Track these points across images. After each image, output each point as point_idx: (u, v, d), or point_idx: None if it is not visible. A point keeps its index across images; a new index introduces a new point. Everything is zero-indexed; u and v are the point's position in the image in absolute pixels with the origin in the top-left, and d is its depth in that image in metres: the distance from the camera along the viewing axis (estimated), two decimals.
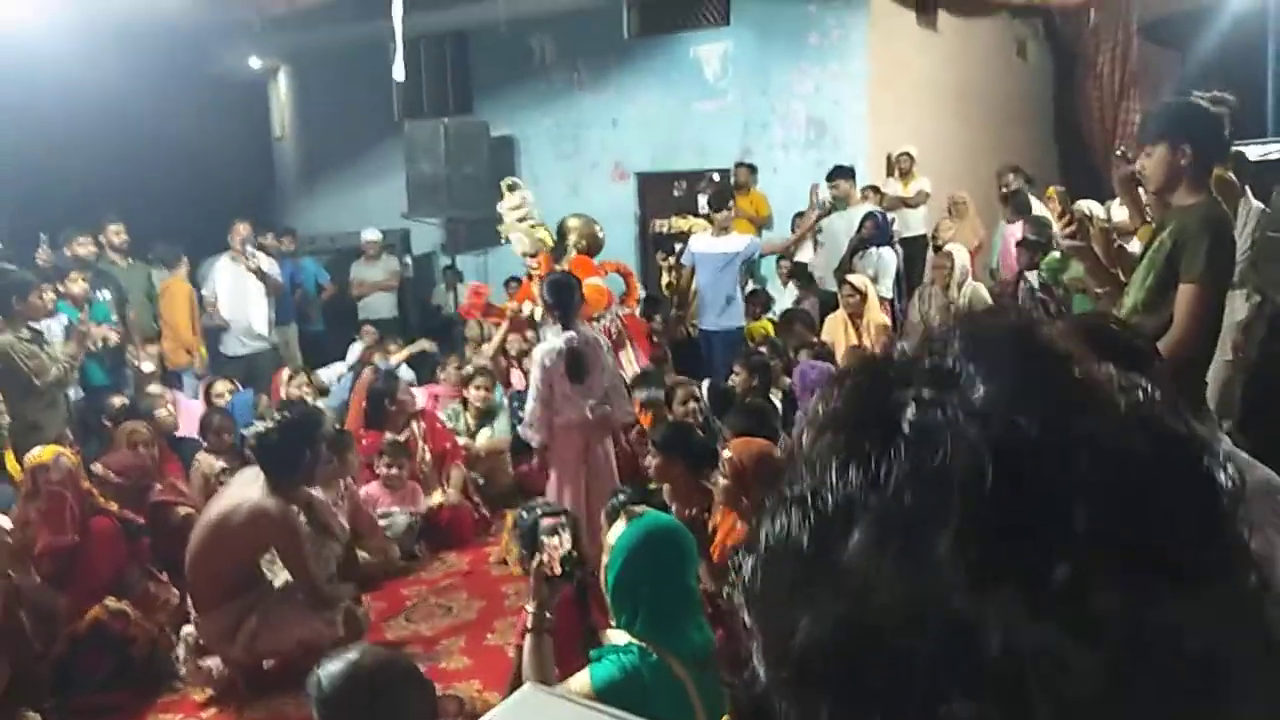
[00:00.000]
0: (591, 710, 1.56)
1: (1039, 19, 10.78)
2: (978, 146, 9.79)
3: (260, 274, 7.62)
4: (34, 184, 8.03)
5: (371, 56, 9.66)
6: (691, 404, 5.20)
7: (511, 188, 6.73)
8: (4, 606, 3.53)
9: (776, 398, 5.75)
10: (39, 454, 3.92)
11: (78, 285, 6.51)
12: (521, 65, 10.35)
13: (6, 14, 6.88)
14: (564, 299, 4.64)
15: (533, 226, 6.53)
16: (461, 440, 6.12)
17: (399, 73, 7.66)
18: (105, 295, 6.83)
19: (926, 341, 0.50)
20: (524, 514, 3.23)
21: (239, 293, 7.64)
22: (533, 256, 6.51)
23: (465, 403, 6.41)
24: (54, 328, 5.85)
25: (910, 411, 0.45)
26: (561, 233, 6.56)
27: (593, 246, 6.57)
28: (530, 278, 6.66)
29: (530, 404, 4.64)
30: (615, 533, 2.41)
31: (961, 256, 6.95)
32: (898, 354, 0.51)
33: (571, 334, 4.58)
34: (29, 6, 6.87)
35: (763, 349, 6.32)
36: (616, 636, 2.40)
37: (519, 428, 5.14)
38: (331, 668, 1.81)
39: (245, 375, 7.33)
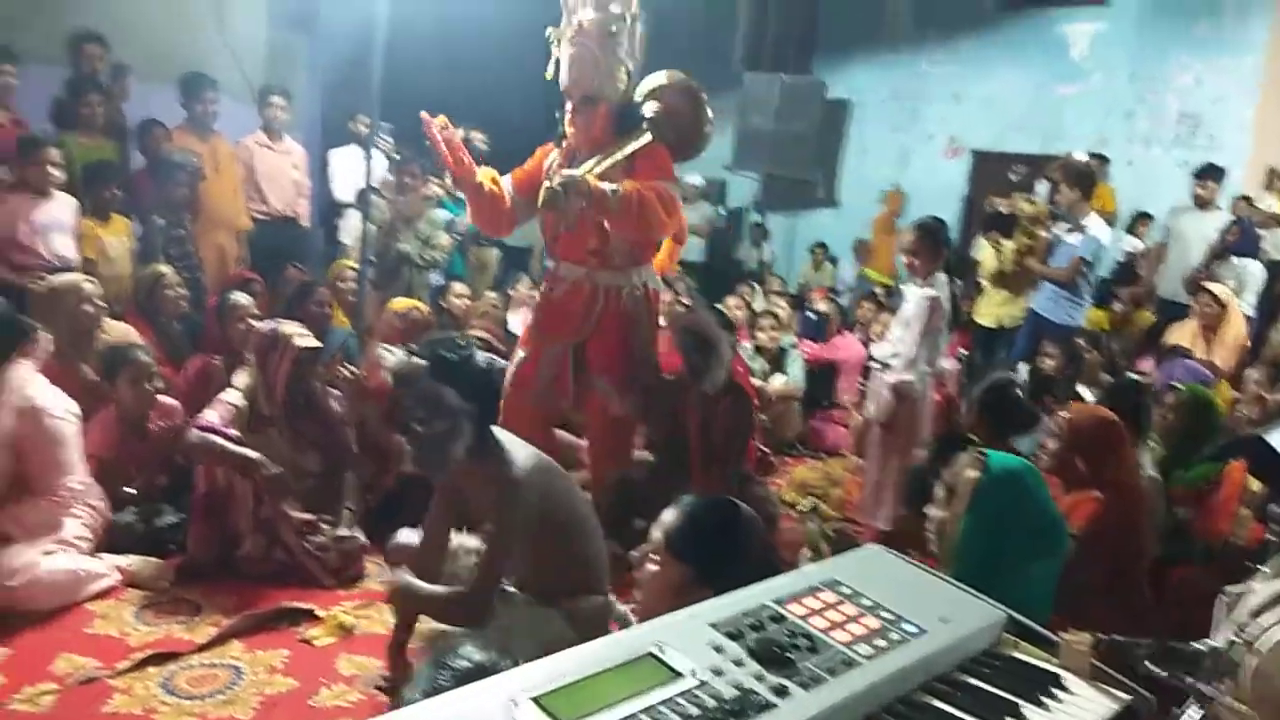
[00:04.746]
0: (931, 574, 1.48)
1: None
2: None
3: None
4: (421, 86, 8.65)
5: (720, 6, 9.79)
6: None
7: None
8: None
9: (1088, 392, 5.31)
10: (398, 302, 4.34)
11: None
12: (869, 29, 10.10)
13: None
14: (941, 244, 4.28)
15: None
16: (756, 382, 6.13)
17: None
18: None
19: None
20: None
21: None
22: None
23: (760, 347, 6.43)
24: (438, 216, 6.49)
25: None
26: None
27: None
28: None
29: (919, 352, 4.20)
30: (967, 478, 2.26)
31: None
32: None
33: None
34: None
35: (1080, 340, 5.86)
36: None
37: (903, 381, 4.25)
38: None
39: None
